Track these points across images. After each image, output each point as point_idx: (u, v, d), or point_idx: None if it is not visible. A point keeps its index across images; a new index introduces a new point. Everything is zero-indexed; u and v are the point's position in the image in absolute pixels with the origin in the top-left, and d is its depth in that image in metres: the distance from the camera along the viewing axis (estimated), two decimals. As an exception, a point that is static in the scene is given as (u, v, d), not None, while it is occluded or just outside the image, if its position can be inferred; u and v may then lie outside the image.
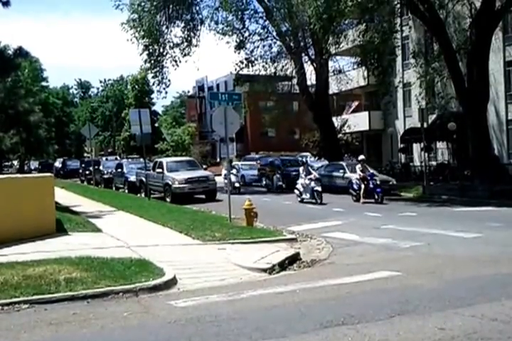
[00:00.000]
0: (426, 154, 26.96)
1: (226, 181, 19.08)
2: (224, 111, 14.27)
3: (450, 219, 14.60)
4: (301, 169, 21.20)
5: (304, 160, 23.52)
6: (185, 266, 8.65)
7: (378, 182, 19.68)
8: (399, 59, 32.81)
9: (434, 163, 31.63)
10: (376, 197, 19.25)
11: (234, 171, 25.82)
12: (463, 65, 22.92)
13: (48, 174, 15.14)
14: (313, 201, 19.50)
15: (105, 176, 32.28)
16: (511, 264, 8.51)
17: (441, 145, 32.92)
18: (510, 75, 29.02)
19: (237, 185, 25.24)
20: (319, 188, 19.66)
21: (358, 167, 20.46)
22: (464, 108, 23.02)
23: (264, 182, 28.40)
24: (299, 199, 20.53)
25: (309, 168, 21.53)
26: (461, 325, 5.40)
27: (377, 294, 6.85)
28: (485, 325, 5.43)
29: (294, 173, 24.68)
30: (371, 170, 20.69)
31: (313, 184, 19.72)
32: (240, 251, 10.05)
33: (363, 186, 19.66)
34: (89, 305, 6.62)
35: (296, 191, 20.86)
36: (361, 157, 21.75)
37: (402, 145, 34.82)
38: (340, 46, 26.42)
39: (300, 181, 20.55)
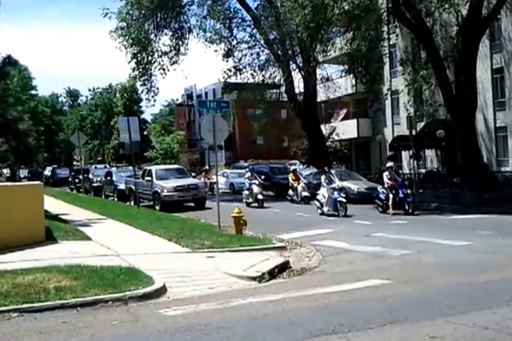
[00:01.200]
0: (415, 162, 27.13)
1: (215, 188, 18.57)
2: (212, 119, 14.31)
3: (440, 227, 14.64)
4: (322, 178, 19.27)
5: (324, 168, 21.30)
6: (174, 275, 8.61)
7: (409, 192, 18.27)
8: (386, 67, 33.13)
9: (423, 170, 31.76)
10: (407, 207, 17.73)
11: (256, 181, 22.59)
12: (450, 73, 23.18)
13: (38, 182, 15.08)
14: (336, 213, 17.65)
15: (94, 184, 32.29)
16: (501, 272, 8.52)
17: (429, 152, 33.16)
18: (497, 83, 29.36)
19: (260, 196, 22.04)
20: (343, 199, 17.87)
21: (386, 174, 18.71)
22: (452, 115, 23.23)
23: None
24: (319, 211, 18.46)
25: (331, 176, 19.61)
26: (452, 334, 5.38)
27: (368, 302, 6.82)
28: (476, 333, 5.41)
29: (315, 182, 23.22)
30: (399, 179, 19.08)
31: (336, 194, 17.87)
32: (229, 259, 10.02)
33: (391, 196, 17.96)
34: (78, 313, 6.58)
35: (316, 202, 18.85)
36: (389, 164, 19.74)
37: (390, 153, 34.86)
38: (328, 54, 26.58)
39: (321, 191, 18.57)
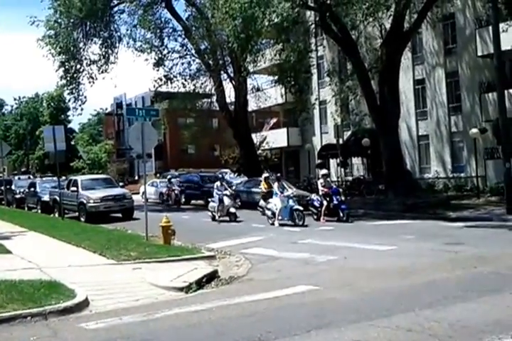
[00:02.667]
0: (342, 169, 27.84)
1: (143, 199, 17.83)
2: (141, 127, 14.11)
3: (366, 233, 15.01)
4: (275, 185, 18.02)
5: (277, 174, 19.57)
6: (98, 287, 8.45)
7: (343, 198, 18.17)
8: (315, 77, 34.04)
9: (350, 177, 32.67)
10: (341, 214, 17.43)
11: (227, 192, 19.90)
12: (375, 84, 23.96)
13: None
14: (292, 223, 16.86)
15: (17, 196, 31.29)
16: (424, 275, 8.76)
17: (356, 160, 34.12)
18: (419, 93, 30.72)
19: (232, 210, 19.38)
20: (300, 207, 17.16)
21: (320, 182, 18.49)
22: (376, 125, 24.02)
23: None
24: (270, 221, 17.62)
25: (284, 183, 18.49)
26: (377, 337, 5.50)
27: (295, 309, 6.88)
28: (400, 335, 5.56)
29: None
30: (334, 186, 18.89)
31: (291, 202, 17.09)
32: (156, 270, 9.88)
33: (325, 203, 17.69)
34: (-7, 330, 6.29)
35: (267, 212, 17.91)
36: (324, 171, 19.54)
37: (319, 161, 35.62)
38: (258, 65, 26.98)
39: (273, 200, 17.70)
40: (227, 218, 19.40)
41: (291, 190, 17.97)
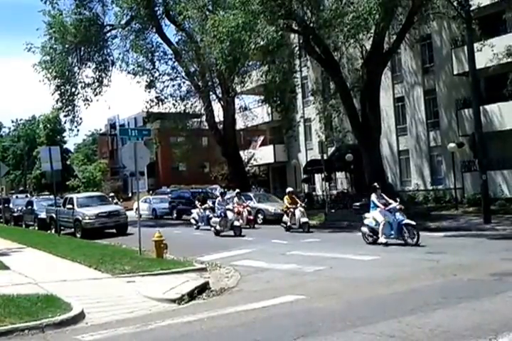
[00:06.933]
0: (327, 183, 28.34)
1: (137, 215, 18.15)
2: (134, 146, 14.60)
3: (350, 244, 15.40)
4: (373, 197, 15.71)
5: (374, 184, 16.75)
6: (93, 300, 8.61)
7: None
8: (299, 97, 34.75)
9: (334, 191, 33.29)
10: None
11: (230, 206, 19.80)
12: (357, 102, 24.55)
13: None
14: (402, 242, 14.10)
15: (15, 214, 31.89)
16: (406, 283, 9.03)
17: (340, 175, 34.72)
18: (399, 110, 31.40)
19: (236, 223, 19.23)
20: (412, 222, 14.27)
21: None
22: (359, 141, 24.60)
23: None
24: (367, 240, 15.15)
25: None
26: (361, 344, 5.73)
27: (283, 318, 7.09)
28: (383, 341, 5.74)
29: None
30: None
31: (398, 216, 14.36)
32: (149, 282, 10.08)
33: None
34: (-9, 344, 6.52)
35: (365, 229, 15.23)
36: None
37: (304, 176, 36.37)
38: (245, 85, 27.83)
39: (373, 214, 15.47)
40: (231, 232, 19.40)
41: (395, 203, 14.77)
